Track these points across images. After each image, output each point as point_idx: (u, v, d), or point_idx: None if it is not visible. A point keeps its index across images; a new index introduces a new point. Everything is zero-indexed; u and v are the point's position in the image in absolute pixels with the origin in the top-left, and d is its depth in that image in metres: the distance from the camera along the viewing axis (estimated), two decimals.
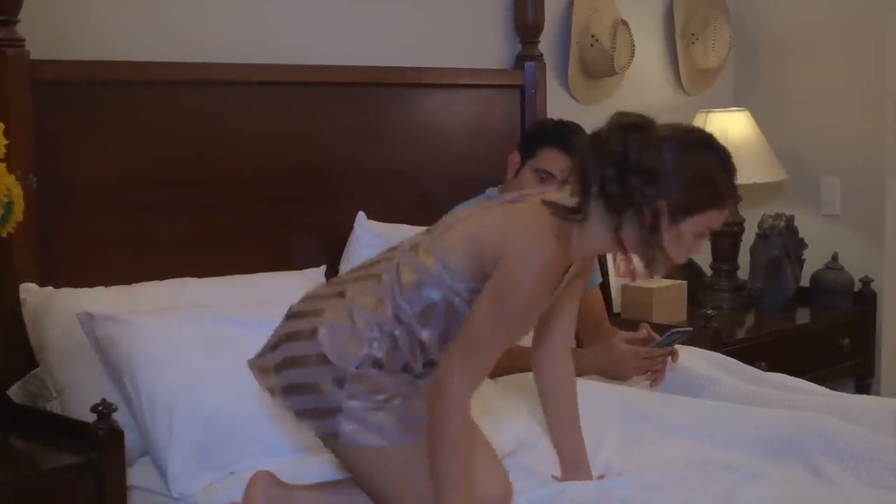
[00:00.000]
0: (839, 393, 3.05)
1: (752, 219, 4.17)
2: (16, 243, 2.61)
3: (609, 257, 3.96)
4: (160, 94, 2.97)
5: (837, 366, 4.10)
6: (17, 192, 2.38)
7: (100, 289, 2.75)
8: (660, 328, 3.04)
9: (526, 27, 3.75)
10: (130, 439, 2.40)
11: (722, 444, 2.51)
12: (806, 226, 4.20)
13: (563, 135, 3.02)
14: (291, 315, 2.24)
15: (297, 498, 2.29)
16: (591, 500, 2.23)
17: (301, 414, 2.17)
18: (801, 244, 4.18)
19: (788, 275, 4.12)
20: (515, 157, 3.14)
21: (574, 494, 2.26)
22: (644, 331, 3.00)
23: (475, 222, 2.17)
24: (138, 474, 2.49)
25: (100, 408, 2.30)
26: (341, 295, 2.19)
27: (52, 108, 2.76)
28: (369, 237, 3.20)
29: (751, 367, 3.12)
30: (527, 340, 3.05)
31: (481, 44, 3.75)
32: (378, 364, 2.12)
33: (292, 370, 2.16)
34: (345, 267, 3.20)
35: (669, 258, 2.13)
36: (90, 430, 2.30)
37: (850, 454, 2.39)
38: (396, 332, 2.12)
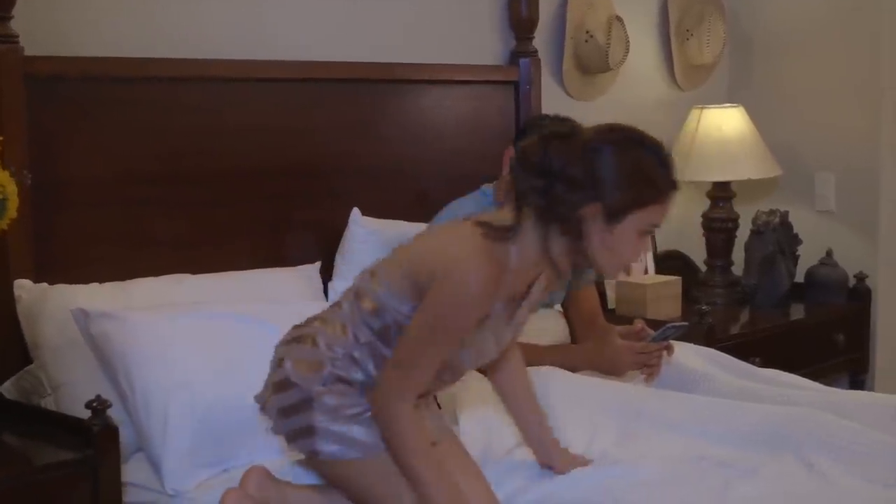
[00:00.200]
0: (833, 389, 3.06)
1: (746, 215, 4.17)
2: (10, 240, 2.61)
3: None
4: (155, 91, 2.97)
5: (831, 361, 4.10)
6: (12, 188, 2.38)
7: (94, 285, 2.75)
8: (654, 324, 3.05)
9: (520, 23, 3.75)
10: (125, 436, 2.39)
11: (716, 440, 2.51)
12: (800, 222, 4.21)
13: None
14: (278, 345, 2.32)
15: (291, 495, 2.30)
16: (587, 497, 2.23)
17: (287, 437, 2.25)
18: (795, 240, 4.18)
19: (783, 271, 4.13)
20: (510, 153, 3.14)
21: (570, 491, 2.26)
22: (639, 325, 3.01)
23: (414, 246, 2.23)
24: (133, 471, 2.49)
25: (94, 404, 2.29)
26: (311, 322, 2.27)
27: (48, 104, 2.76)
28: (364, 233, 3.20)
29: (745, 363, 3.12)
30: (527, 338, 3.07)
31: (476, 40, 3.75)
32: (344, 381, 2.18)
33: (273, 397, 2.24)
34: (340, 263, 3.20)
35: (616, 261, 2.15)
36: (85, 426, 2.30)
37: (844, 450, 2.39)
38: (356, 354, 2.19)
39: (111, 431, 2.30)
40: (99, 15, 2.92)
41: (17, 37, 2.69)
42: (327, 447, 2.17)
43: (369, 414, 2.18)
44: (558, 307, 3.28)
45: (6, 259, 2.68)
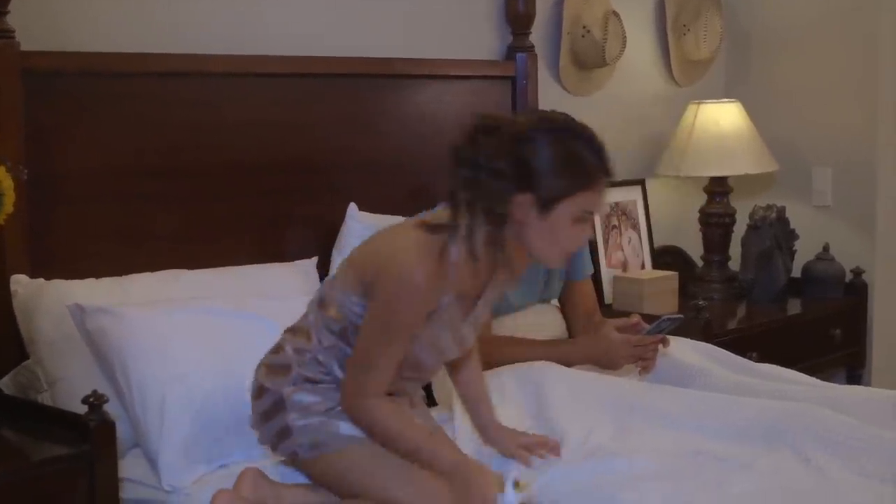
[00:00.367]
0: (830, 383, 3.06)
1: (743, 210, 4.17)
2: (6, 235, 2.61)
3: (600, 247, 3.97)
4: (152, 86, 2.96)
5: (828, 356, 4.11)
6: (8, 183, 2.38)
7: (91, 280, 2.74)
8: (651, 319, 3.04)
9: (517, 18, 3.75)
10: (122, 431, 2.39)
11: (713, 435, 2.51)
12: (797, 217, 4.21)
13: None
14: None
15: (286, 495, 2.32)
16: (583, 490, 2.23)
17: (271, 444, 2.31)
18: (792, 235, 4.18)
19: (780, 265, 4.13)
20: None
21: (565, 484, 2.27)
22: (635, 318, 3.01)
23: (362, 247, 2.29)
24: (129, 466, 2.49)
25: (91, 399, 2.29)
26: (283, 334, 2.35)
27: (44, 99, 2.76)
28: (361, 228, 3.19)
29: (742, 358, 3.12)
30: (524, 333, 3.07)
31: (473, 35, 3.74)
32: (311, 381, 2.25)
33: (252, 405, 2.34)
34: (336, 258, 3.20)
35: (555, 251, 2.18)
36: (82, 421, 2.30)
37: (841, 444, 2.39)
38: (320, 357, 2.25)
39: (108, 426, 2.30)
40: (95, 10, 2.92)
41: (13, 32, 2.69)
42: (305, 445, 2.23)
43: (340, 408, 2.23)
44: (555, 302, 3.28)
45: (2, 254, 2.67)
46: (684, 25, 4.32)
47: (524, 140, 2.11)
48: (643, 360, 2.93)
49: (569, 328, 3.25)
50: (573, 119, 2.19)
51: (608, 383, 2.79)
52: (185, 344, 2.55)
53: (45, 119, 2.76)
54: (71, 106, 2.82)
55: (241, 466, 2.36)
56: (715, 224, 4.18)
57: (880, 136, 4.19)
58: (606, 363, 2.94)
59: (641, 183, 4.21)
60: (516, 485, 2.13)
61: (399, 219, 3.17)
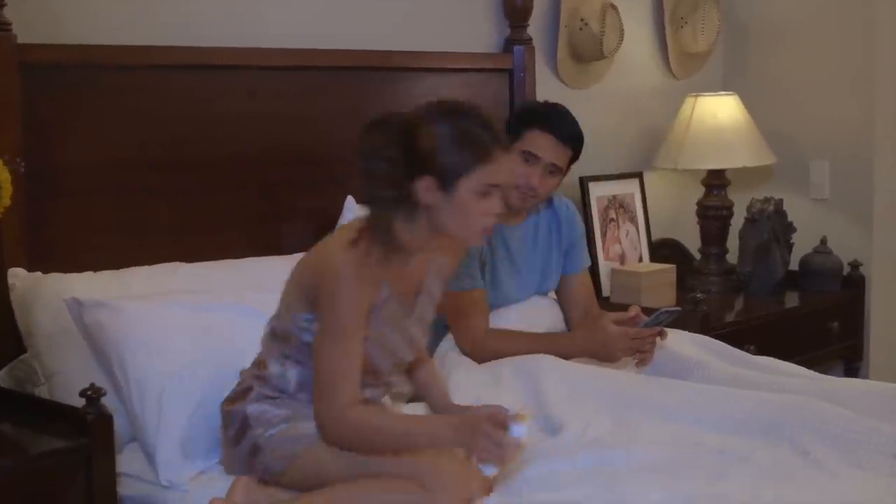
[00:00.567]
0: (828, 376, 3.06)
1: (741, 203, 4.17)
2: (4, 228, 2.61)
3: (598, 240, 3.97)
4: (151, 78, 2.96)
5: (826, 349, 4.11)
6: (5, 176, 2.37)
7: (89, 274, 2.74)
8: (649, 312, 3.05)
9: (515, 11, 3.74)
10: (119, 425, 2.38)
11: (710, 427, 2.51)
12: (795, 210, 4.21)
13: (547, 116, 3.02)
14: None
15: (279, 499, 2.30)
16: (581, 482, 2.23)
17: (249, 468, 2.32)
18: (789, 228, 4.18)
19: (777, 258, 4.13)
20: None
21: (564, 475, 2.27)
22: (634, 311, 3.01)
23: (298, 265, 2.35)
24: (127, 461, 2.48)
25: (88, 392, 2.29)
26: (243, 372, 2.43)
27: (42, 92, 2.75)
28: None
29: (739, 351, 3.12)
30: (521, 326, 3.06)
31: (470, 28, 3.74)
32: (270, 397, 2.31)
33: (222, 435, 2.39)
34: None
35: (469, 229, 2.23)
36: (79, 414, 2.29)
37: (838, 437, 2.40)
38: (276, 379, 2.32)
39: (105, 420, 2.30)
40: (95, 2, 2.91)
41: (10, 24, 2.68)
42: (276, 459, 2.26)
43: (301, 416, 2.26)
44: (552, 295, 3.28)
45: (0, 247, 2.67)
46: (682, 18, 4.32)
47: (411, 127, 2.19)
48: (641, 353, 2.94)
49: (566, 321, 3.25)
50: (461, 101, 2.29)
51: (606, 376, 2.79)
52: (182, 337, 2.54)
53: (44, 112, 2.76)
54: (70, 99, 2.82)
55: None
56: (712, 217, 4.18)
57: (878, 129, 4.19)
58: (604, 356, 2.94)
59: (639, 176, 4.21)
60: (518, 417, 2.15)
61: None
